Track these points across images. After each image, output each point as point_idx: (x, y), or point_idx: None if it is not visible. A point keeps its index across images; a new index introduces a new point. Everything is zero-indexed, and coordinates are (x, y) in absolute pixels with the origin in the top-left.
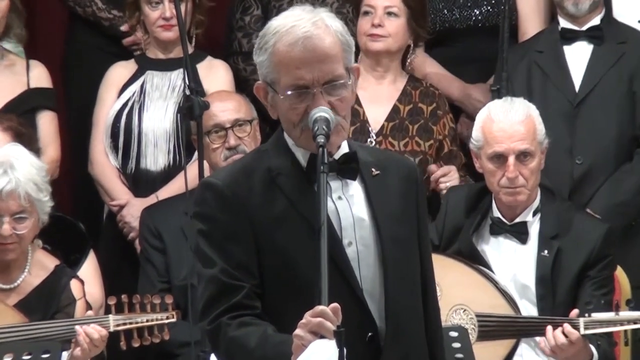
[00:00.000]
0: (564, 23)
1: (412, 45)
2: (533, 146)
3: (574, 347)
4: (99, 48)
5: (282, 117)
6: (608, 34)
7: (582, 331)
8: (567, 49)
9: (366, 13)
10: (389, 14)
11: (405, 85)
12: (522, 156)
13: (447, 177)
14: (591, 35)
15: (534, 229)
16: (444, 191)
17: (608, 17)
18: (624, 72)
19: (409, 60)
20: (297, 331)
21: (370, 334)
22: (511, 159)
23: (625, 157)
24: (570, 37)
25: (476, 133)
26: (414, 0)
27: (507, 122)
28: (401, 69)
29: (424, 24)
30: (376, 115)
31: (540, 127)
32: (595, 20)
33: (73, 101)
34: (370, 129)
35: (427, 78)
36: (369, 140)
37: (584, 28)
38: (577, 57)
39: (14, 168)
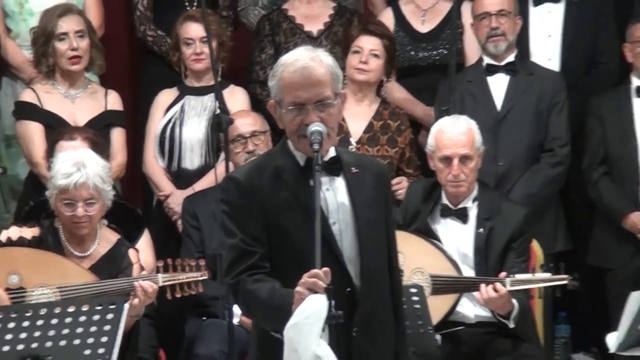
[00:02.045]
0: (487, 60)
1: (384, 79)
2: (472, 151)
3: (501, 300)
4: (167, 77)
5: (285, 127)
6: (520, 68)
7: (508, 287)
8: (490, 79)
9: (356, 52)
10: (373, 55)
11: (378, 107)
12: (464, 159)
13: (399, 185)
14: (508, 68)
15: (473, 213)
16: (399, 196)
17: (521, 55)
18: (533, 96)
19: (384, 87)
20: (298, 288)
21: (349, 289)
22: (455, 161)
23: (534, 160)
24: (492, 70)
25: (430, 141)
26: (390, 46)
27: (453, 133)
28: (375, 95)
29: (394, 63)
30: (356, 128)
31: (478, 137)
32: (511, 58)
33: (143, 119)
34: (351, 138)
35: (396, 101)
36: (350, 147)
37: (503, 63)
38: (498, 85)
39: (85, 166)
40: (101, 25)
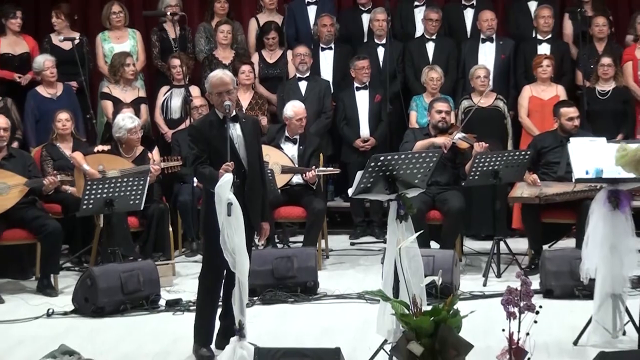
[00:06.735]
0: (298, 74)
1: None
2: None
3: (314, 177)
4: (164, 80)
5: (214, 102)
6: (312, 79)
7: (316, 173)
8: (299, 83)
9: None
10: (250, 72)
11: (253, 94)
12: (303, 119)
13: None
14: (306, 79)
15: (298, 140)
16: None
17: (313, 72)
18: (317, 91)
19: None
20: (220, 170)
21: (243, 170)
22: (304, 120)
23: (319, 116)
24: (300, 79)
25: (288, 111)
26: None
27: (297, 107)
28: (250, 89)
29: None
30: (244, 104)
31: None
32: (308, 73)
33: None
34: (243, 109)
35: (261, 92)
36: (244, 110)
37: (304, 76)
38: (302, 86)
39: (134, 119)
40: (145, 59)
